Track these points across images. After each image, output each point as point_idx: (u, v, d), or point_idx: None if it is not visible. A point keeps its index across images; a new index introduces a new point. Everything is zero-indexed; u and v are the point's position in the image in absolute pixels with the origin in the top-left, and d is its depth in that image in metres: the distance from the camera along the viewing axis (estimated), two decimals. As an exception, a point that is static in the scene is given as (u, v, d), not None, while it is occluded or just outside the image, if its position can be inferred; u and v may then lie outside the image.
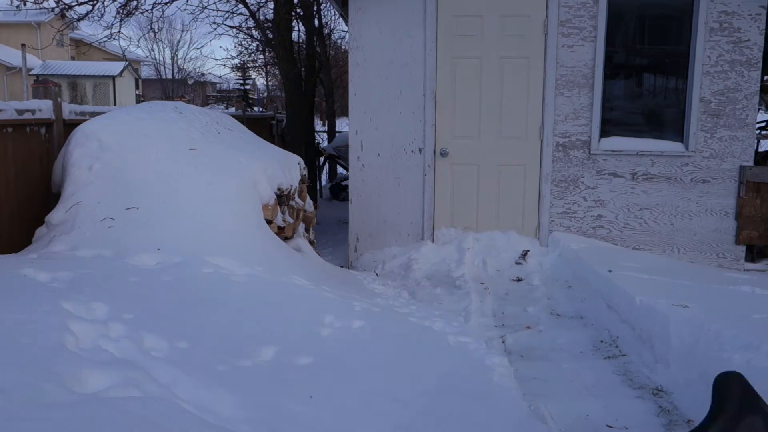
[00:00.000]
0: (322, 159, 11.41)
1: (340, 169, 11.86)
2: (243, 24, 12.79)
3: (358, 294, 3.97)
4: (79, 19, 8.67)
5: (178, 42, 49.03)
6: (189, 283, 2.75)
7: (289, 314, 2.87)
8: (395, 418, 2.31)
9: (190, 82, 35.75)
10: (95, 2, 7.93)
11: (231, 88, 33.39)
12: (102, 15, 8.19)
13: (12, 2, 8.20)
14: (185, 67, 38.00)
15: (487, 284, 4.88)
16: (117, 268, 2.82)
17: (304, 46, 10.77)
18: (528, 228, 5.42)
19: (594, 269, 4.39)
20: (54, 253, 3.08)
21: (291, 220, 4.25)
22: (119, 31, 8.58)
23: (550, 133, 5.29)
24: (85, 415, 1.45)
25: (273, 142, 8.89)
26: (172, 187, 3.46)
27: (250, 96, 28.04)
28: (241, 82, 28.06)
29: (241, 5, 9.78)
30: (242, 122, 5.49)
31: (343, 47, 16.92)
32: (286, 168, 4.39)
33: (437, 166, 5.41)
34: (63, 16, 8.67)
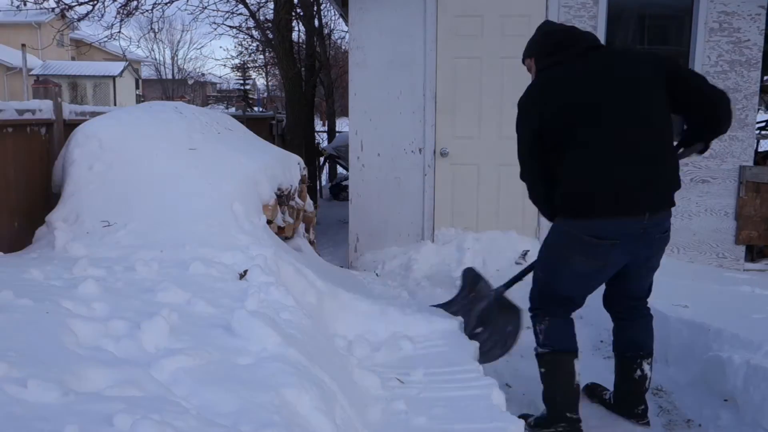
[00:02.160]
0: (322, 159, 11.41)
1: (340, 169, 11.86)
2: (243, 24, 12.80)
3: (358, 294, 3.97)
4: (79, 20, 8.67)
5: (178, 42, 49.06)
6: (191, 283, 2.75)
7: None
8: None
9: (190, 82, 35.76)
10: (95, 2, 7.94)
11: (231, 88, 33.40)
12: (102, 15, 8.19)
13: (12, 2, 8.21)
14: (185, 67, 38.03)
15: (487, 284, 4.88)
16: (118, 268, 2.82)
17: (304, 46, 10.77)
18: (528, 228, 5.42)
19: (594, 269, 4.38)
20: (54, 253, 3.08)
21: (291, 220, 4.25)
22: (119, 32, 8.58)
23: (550, 133, 5.28)
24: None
25: (273, 142, 8.88)
26: (172, 187, 3.46)
27: (250, 96, 28.06)
28: (241, 82, 28.07)
29: (241, 5, 9.78)
30: (242, 122, 5.49)
31: (343, 47, 16.93)
32: (286, 168, 4.39)
33: (437, 166, 5.41)
34: (63, 16, 8.67)
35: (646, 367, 2.74)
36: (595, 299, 4.23)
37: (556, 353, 2.66)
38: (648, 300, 2.80)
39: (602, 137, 2.43)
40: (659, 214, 2.51)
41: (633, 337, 2.79)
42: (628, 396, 2.81)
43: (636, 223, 2.45)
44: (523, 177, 2.78)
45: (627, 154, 2.42)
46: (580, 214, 2.48)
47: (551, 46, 2.66)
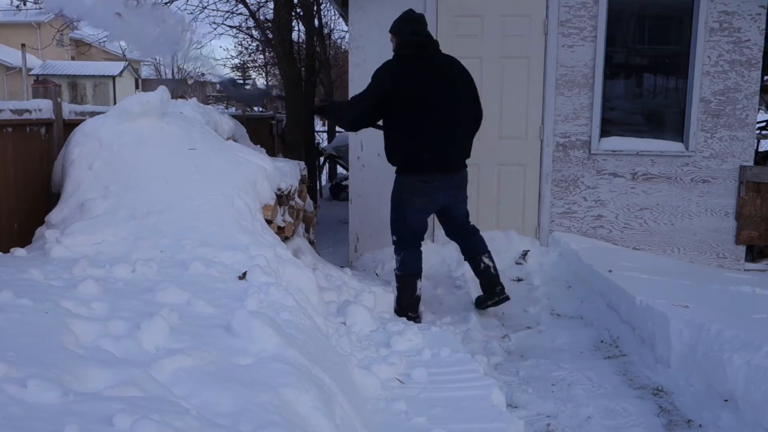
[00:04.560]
0: (322, 159, 11.40)
1: (340, 169, 11.85)
2: (243, 24, 12.80)
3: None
4: (79, 19, 8.66)
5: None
6: (191, 283, 2.75)
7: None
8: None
9: (190, 82, 35.72)
10: (95, 2, 7.92)
11: (231, 88, 33.35)
12: (102, 15, 8.17)
13: (12, 2, 8.21)
14: (185, 67, 38.00)
15: (487, 284, 4.88)
16: (118, 268, 2.81)
17: (304, 46, 10.76)
18: (528, 228, 5.42)
19: (594, 269, 4.39)
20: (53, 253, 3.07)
21: (291, 220, 4.25)
22: (119, 31, 8.56)
23: (550, 133, 5.28)
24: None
25: (273, 142, 8.88)
26: (172, 186, 3.46)
27: (250, 96, 28.01)
28: (241, 82, 28.04)
29: (241, 5, 9.79)
30: (242, 122, 5.49)
31: (343, 47, 16.93)
32: (286, 168, 4.39)
33: (437, 166, 5.40)
34: (63, 15, 8.66)
35: (485, 259, 4.11)
36: (596, 303, 4.24)
37: (406, 276, 4.02)
38: (469, 219, 4.23)
39: (431, 123, 3.79)
40: (459, 173, 4.03)
41: (469, 245, 4.17)
42: (486, 284, 4.12)
43: (445, 175, 3.93)
44: (354, 117, 4.02)
45: (444, 136, 3.84)
46: (413, 170, 3.91)
47: (415, 44, 3.86)
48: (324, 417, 1.92)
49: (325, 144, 13.07)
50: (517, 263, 5.16)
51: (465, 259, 4.23)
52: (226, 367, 1.99)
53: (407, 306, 3.99)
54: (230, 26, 12.57)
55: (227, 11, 11.28)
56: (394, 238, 4.07)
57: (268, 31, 9.60)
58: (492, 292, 4.08)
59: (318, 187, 10.21)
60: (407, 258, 4.01)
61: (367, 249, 5.46)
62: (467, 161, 4.16)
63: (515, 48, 5.27)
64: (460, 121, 3.92)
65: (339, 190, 10.49)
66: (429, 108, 3.77)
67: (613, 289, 3.99)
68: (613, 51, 5.31)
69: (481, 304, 4.17)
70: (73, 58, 30.65)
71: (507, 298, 4.09)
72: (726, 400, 2.73)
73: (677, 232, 5.34)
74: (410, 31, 3.86)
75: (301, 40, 11.62)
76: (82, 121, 3.85)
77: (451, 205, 4.05)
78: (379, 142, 5.34)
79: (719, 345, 2.88)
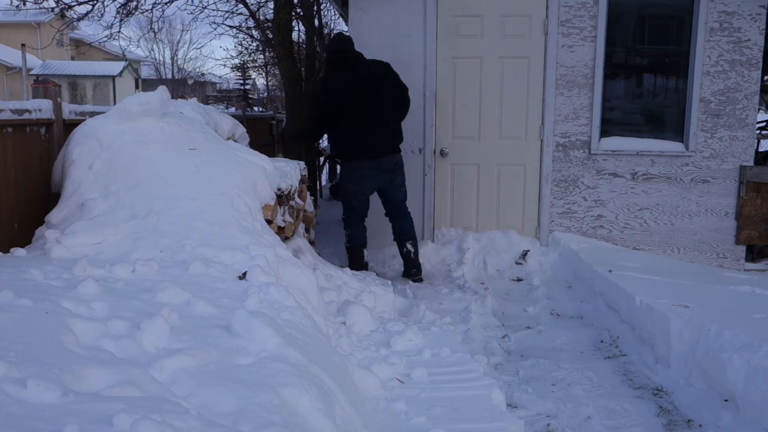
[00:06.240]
0: (322, 159, 11.39)
1: (340, 169, 11.81)
2: (243, 24, 12.79)
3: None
4: (79, 19, 8.67)
5: (178, 42, 49.01)
6: (191, 283, 2.75)
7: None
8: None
9: (190, 82, 35.76)
10: (95, 2, 7.93)
11: (231, 88, 33.42)
12: (102, 15, 8.17)
13: (12, 2, 8.20)
14: (185, 67, 38.06)
15: (488, 284, 4.88)
16: (118, 268, 2.81)
17: (304, 46, 10.76)
18: (528, 228, 5.42)
19: (594, 269, 4.39)
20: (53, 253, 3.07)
21: (291, 220, 4.25)
22: (119, 31, 8.57)
23: (550, 133, 5.28)
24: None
25: (273, 142, 8.88)
26: (172, 186, 3.45)
27: (250, 96, 28.05)
28: (241, 82, 28.07)
29: (241, 5, 9.78)
30: (242, 122, 5.48)
31: (343, 47, 16.88)
32: (286, 168, 4.40)
33: (437, 166, 5.41)
34: (63, 16, 8.67)
35: (408, 245, 4.89)
36: (596, 306, 4.24)
37: (354, 247, 4.88)
38: (405, 204, 4.94)
39: (364, 120, 4.60)
40: (386, 157, 4.72)
41: (400, 228, 4.90)
42: (405, 264, 4.96)
43: (374, 161, 4.68)
44: (312, 131, 5.31)
45: (373, 129, 4.63)
46: (352, 159, 4.73)
47: (342, 61, 4.67)
48: (324, 417, 1.92)
49: (325, 144, 13.05)
50: (517, 263, 5.16)
51: (394, 239, 4.96)
52: (226, 367, 1.99)
53: (357, 269, 4.77)
54: (230, 26, 12.58)
55: (227, 11, 11.27)
56: (343, 216, 4.95)
57: (268, 31, 9.59)
58: (409, 273, 4.92)
59: (318, 187, 10.21)
60: (353, 232, 4.88)
61: (368, 249, 5.44)
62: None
63: (515, 48, 5.27)
64: (388, 121, 4.72)
65: (339, 190, 10.47)
66: (354, 111, 4.59)
67: (613, 289, 3.99)
68: (613, 51, 5.31)
69: (403, 276, 5.01)
70: (73, 58, 30.65)
71: (420, 280, 4.87)
72: (726, 400, 2.73)
73: (677, 232, 5.34)
74: (338, 59, 4.65)
75: (301, 40, 11.62)
76: (82, 121, 3.85)
77: (386, 188, 4.81)
78: (379, 142, 5.39)
79: (719, 345, 2.88)
